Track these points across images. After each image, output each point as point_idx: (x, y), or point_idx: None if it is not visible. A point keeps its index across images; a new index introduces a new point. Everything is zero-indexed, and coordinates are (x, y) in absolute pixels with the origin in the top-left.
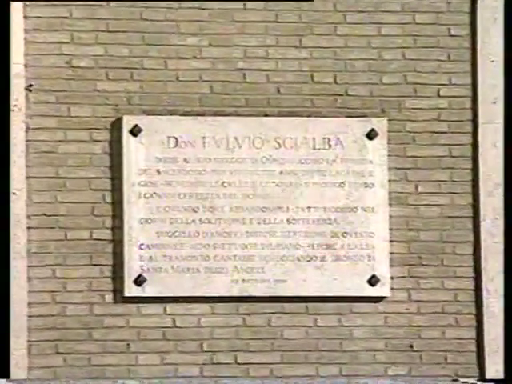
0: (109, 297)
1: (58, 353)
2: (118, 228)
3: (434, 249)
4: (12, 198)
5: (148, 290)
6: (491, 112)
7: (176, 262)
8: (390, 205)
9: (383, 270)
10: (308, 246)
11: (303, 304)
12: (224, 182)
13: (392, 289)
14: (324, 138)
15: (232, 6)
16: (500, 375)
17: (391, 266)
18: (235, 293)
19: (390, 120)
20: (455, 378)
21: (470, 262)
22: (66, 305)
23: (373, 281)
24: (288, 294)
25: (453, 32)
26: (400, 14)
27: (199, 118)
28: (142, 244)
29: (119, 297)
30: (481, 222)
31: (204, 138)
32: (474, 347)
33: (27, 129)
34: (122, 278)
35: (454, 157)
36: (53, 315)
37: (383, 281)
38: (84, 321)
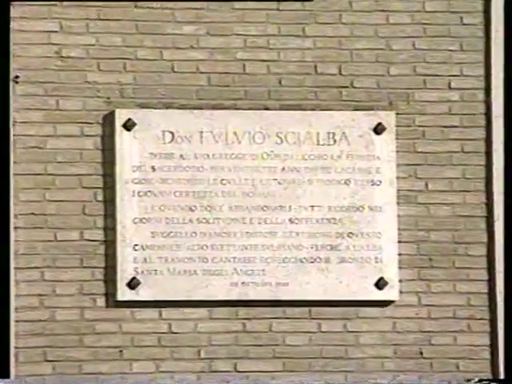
0: (101, 301)
1: (46, 360)
2: (110, 228)
3: (445, 250)
4: None
5: (142, 294)
6: None
7: (172, 263)
8: (399, 203)
9: (391, 273)
10: (311, 247)
11: (306, 308)
12: (223, 180)
13: (401, 292)
14: (328, 133)
15: None
16: None
17: (400, 268)
18: (234, 296)
19: (398, 113)
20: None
21: (484, 263)
22: (55, 309)
23: (380, 284)
24: (290, 298)
25: (465, 20)
26: (409, 1)
27: (196, 111)
28: (136, 245)
29: (112, 301)
30: (495, 221)
31: (201, 132)
32: (487, 354)
33: (14, 123)
34: (114, 281)
35: (466, 152)
36: (41, 320)
37: (391, 284)
38: (74, 326)
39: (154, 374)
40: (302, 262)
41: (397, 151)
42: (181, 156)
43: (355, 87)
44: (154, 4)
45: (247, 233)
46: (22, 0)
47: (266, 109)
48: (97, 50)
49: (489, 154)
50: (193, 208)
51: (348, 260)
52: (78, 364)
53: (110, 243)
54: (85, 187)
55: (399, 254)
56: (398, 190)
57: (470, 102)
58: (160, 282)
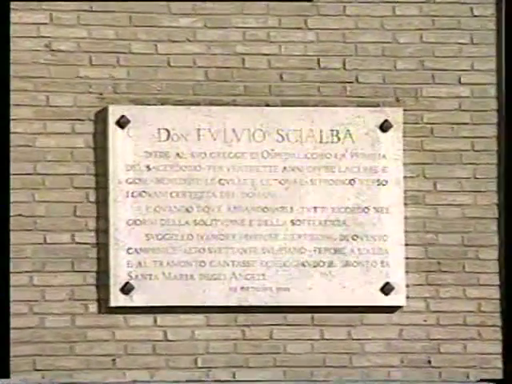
0: (93, 307)
1: (36, 369)
2: (102, 230)
3: (454, 253)
4: None
5: (136, 299)
6: None
7: (167, 267)
8: (406, 204)
9: (398, 277)
10: (314, 251)
11: (309, 315)
12: (221, 179)
13: (408, 298)
14: (332, 130)
15: None
16: None
17: (407, 272)
18: (233, 302)
19: (405, 110)
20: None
21: (495, 268)
22: (44, 316)
23: (386, 289)
24: (292, 304)
25: (476, 11)
26: None
27: (193, 107)
28: (130, 248)
29: (104, 307)
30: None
31: (199, 130)
32: (499, 363)
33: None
34: (107, 286)
35: (476, 151)
36: (30, 327)
37: (398, 289)
38: (65, 334)
39: (149, 383)
40: (304, 265)
41: (404, 149)
42: (177, 154)
43: (360, 82)
44: None
45: (246, 235)
46: None
47: (267, 105)
48: (89, 43)
49: (501, 152)
50: (189, 209)
51: (352, 264)
52: (68, 373)
53: (102, 246)
54: (76, 187)
55: (406, 258)
56: (405, 191)
57: (481, 97)
58: (155, 287)
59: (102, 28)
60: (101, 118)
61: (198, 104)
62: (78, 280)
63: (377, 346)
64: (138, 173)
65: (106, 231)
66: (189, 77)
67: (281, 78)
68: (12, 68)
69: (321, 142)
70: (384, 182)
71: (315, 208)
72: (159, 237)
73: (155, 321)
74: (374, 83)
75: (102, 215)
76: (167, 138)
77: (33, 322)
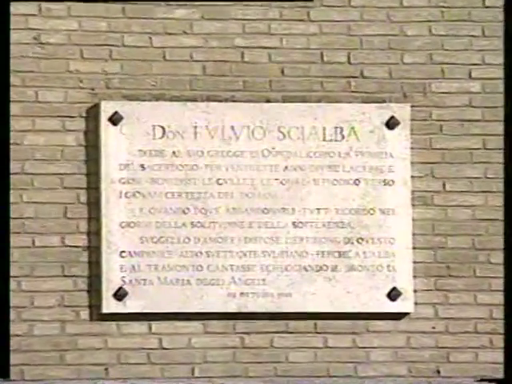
0: (84, 313)
1: (24, 379)
2: (94, 233)
3: (464, 257)
4: None
5: (130, 306)
6: None
7: (163, 272)
8: (414, 206)
9: (405, 282)
10: (317, 254)
11: (311, 322)
12: (219, 179)
13: (416, 304)
14: (336, 128)
15: None
16: None
17: (414, 277)
18: (232, 308)
19: (413, 106)
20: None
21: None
22: (33, 323)
23: (393, 295)
24: (293, 310)
25: (487, 2)
26: None
27: (190, 103)
28: (123, 251)
29: (96, 313)
30: None
31: (195, 127)
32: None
33: None
34: (99, 292)
35: (488, 149)
36: (18, 335)
37: (405, 295)
38: (55, 342)
39: None
40: (306, 270)
41: (411, 148)
42: (173, 153)
43: (365, 77)
44: None
45: (246, 238)
46: None
47: (267, 101)
48: (80, 35)
49: None
50: (186, 211)
51: (357, 268)
52: (58, 383)
53: (94, 250)
54: (66, 187)
55: (414, 262)
56: (413, 191)
57: (493, 93)
58: (150, 293)
59: (93, 20)
60: (92, 114)
61: (194, 100)
62: (68, 285)
63: (383, 355)
64: (131, 172)
65: (98, 234)
66: (185, 71)
67: (282, 72)
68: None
69: (324, 139)
70: (390, 182)
71: (318, 209)
72: (154, 240)
73: (150, 328)
74: (380, 78)
75: (94, 217)
76: (162, 136)
77: (21, 329)
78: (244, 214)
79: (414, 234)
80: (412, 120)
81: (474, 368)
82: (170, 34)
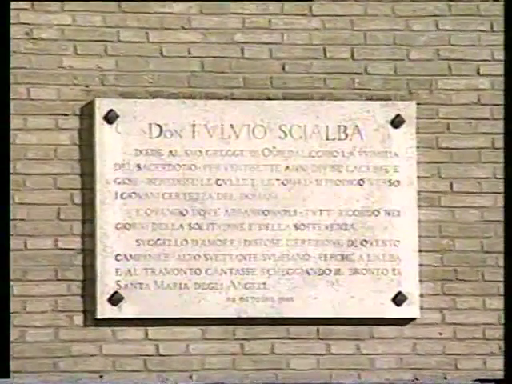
0: (78, 319)
1: None
2: (89, 235)
3: (472, 260)
4: None
5: (126, 311)
6: None
7: (160, 276)
8: (420, 207)
9: (411, 287)
10: (319, 257)
11: (314, 327)
12: (218, 180)
13: (422, 309)
14: (339, 126)
15: None
16: None
17: (421, 281)
18: (231, 314)
19: (419, 104)
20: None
21: None
22: (25, 329)
23: (398, 299)
24: (295, 315)
25: None
26: None
27: (188, 101)
28: (119, 254)
29: (90, 319)
30: None
31: (194, 125)
32: None
33: None
34: (93, 296)
35: (497, 148)
36: (9, 341)
37: (411, 299)
38: (48, 348)
39: None
40: (308, 274)
41: (417, 147)
42: (170, 152)
43: (370, 74)
44: None
45: (246, 240)
46: None
47: (268, 98)
48: (73, 30)
49: None
50: (184, 212)
51: (361, 272)
52: None
53: (88, 252)
54: (60, 188)
55: (420, 265)
56: (419, 192)
57: (502, 90)
58: (146, 297)
59: (88, 14)
60: (87, 112)
61: (193, 97)
62: (61, 289)
63: (388, 362)
64: (127, 172)
65: (92, 236)
66: (183, 68)
67: (283, 69)
68: None
69: (327, 138)
70: (396, 183)
71: (321, 211)
72: (151, 242)
73: (146, 334)
74: (385, 75)
75: (89, 218)
76: (159, 135)
77: (13, 335)
78: (244, 215)
79: (420, 237)
80: (418, 118)
81: (482, 375)
82: (167, 29)
